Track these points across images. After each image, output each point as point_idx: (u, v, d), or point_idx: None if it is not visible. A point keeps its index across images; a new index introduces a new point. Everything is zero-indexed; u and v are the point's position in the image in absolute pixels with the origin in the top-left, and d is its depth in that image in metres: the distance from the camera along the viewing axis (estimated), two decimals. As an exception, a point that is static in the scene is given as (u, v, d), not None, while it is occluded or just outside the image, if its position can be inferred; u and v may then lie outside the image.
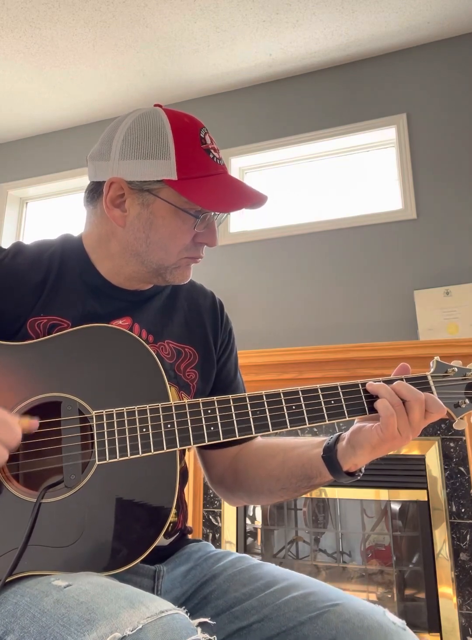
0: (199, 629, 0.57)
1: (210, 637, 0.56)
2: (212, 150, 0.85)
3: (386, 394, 0.76)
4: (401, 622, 0.74)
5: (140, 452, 0.72)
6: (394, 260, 2.48)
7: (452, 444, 2.03)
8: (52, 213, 3.43)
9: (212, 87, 2.96)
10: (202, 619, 0.59)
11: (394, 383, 0.78)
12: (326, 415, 0.77)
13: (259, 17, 2.45)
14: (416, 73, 2.64)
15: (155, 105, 0.89)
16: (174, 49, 2.66)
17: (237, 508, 2.22)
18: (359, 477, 0.81)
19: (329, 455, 0.80)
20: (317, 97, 2.81)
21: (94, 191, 0.89)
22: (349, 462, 0.79)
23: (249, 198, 0.85)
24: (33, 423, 0.71)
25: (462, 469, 2.00)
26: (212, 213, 0.85)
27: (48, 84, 2.93)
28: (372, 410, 0.78)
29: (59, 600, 0.60)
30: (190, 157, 0.82)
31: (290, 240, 2.68)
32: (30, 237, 3.41)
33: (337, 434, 0.82)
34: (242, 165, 2.98)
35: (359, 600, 0.77)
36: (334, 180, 2.83)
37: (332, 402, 0.78)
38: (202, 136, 0.85)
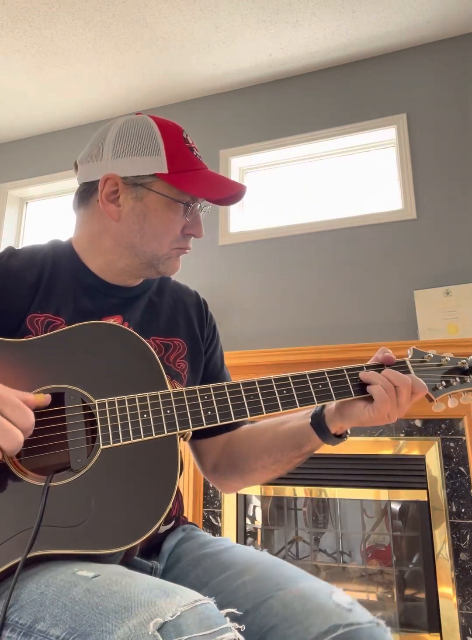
0: (228, 618, 0.59)
1: (239, 626, 0.58)
2: (194, 149, 0.95)
3: (379, 381, 0.82)
4: (347, 603, 0.70)
5: (142, 436, 0.76)
6: (394, 260, 2.48)
7: (452, 444, 2.03)
8: (52, 213, 3.43)
9: (212, 87, 2.96)
10: (229, 610, 0.61)
11: (384, 371, 0.84)
12: (315, 398, 0.83)
13: (259, 17, 2.45)
14: (416, 73, 2.64)
15: (137, 114, 0.98)
16: (174, 49, 2.66)
17: (237, 507, 2.22)
18: (346, 439, 0.89)
19: (317, 421, 0.87)
20: (317, 97, 2.81)
21: (86, 191, 0.95)
22: (336, 426, 0.86)
23: (231, 188, 0.94)
24: (46, 397, 0.74)
25: (462, 469, 2.00)
26: (199, 205, 0.93)
27: (48, 84, 2.93)
28: (359, 393, 0.84)
29: (89, 589, 0.60)
30: (177, 153, 0.91)
31: (290, 240, 2.68)
32: (30, 237, 3.41)
33: (322, 404, 0.87)
34: (242, 165, 2.98)
35: (308, 582, 0.75)
36: (334, 180, 2.83)
37: (320, 386, 0.84)
38: (185, 137, 0.94)
